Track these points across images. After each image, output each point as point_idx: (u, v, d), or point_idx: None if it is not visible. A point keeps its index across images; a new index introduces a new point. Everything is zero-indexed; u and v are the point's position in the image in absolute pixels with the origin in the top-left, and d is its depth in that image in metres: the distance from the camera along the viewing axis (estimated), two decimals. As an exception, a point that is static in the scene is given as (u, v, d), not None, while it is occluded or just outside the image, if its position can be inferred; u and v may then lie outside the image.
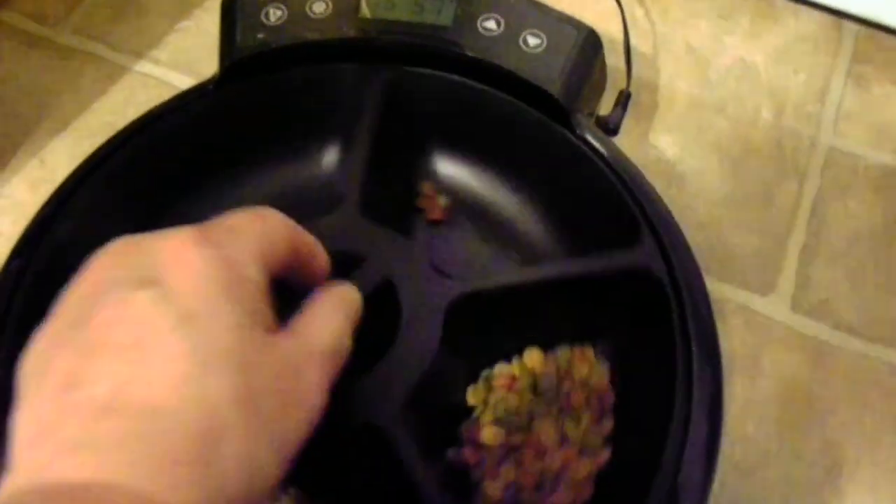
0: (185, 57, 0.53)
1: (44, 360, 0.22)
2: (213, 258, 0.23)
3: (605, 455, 0.34)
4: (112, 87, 0.52)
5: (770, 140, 0.48)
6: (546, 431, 0.35)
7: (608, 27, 0.48)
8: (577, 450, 0.34)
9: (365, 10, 0.42)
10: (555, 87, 0.38)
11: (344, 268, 0.34)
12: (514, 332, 0.37)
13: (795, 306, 0.42)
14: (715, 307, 0.35)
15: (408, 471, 0.30)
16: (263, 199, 0.41)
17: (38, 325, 0.23)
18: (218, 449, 0.21)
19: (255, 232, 0.25)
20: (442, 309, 0.33)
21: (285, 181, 0.43)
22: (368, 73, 0.41)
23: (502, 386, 0.36)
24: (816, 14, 0.52)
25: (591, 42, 0.40)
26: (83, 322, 0.22)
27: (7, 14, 0.55)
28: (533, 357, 0.37)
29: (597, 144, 0.38)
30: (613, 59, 0.46)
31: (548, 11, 0.40)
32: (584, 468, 0.34)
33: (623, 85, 0.46)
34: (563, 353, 0.37)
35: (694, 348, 0.33)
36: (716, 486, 0.31)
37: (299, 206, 0.41)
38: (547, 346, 0.37)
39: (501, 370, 0.37)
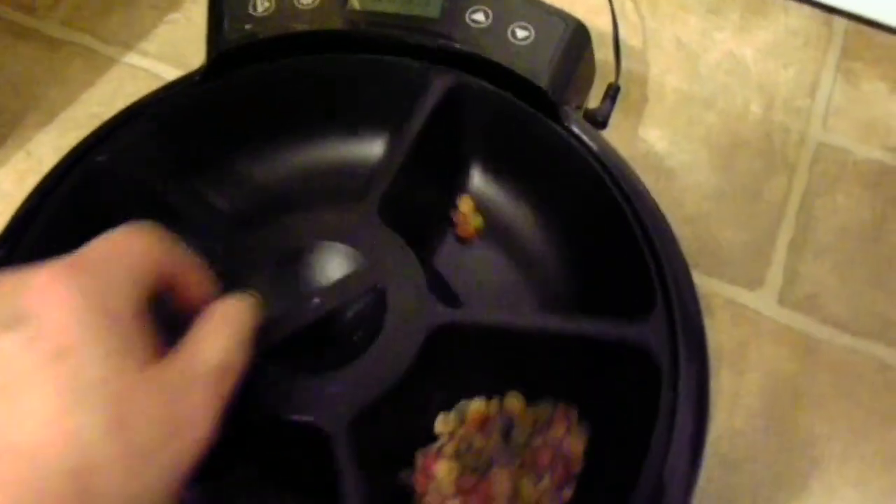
0: (173, 49, 0.53)
1: None
2: (83, 289, 0.23)
3: None
4: (100, 79, 0.51)
5: (759, 135, 0.48)
6: (501, 482, 0.33)
7: (597, 21, 0.48)
8: None
9: (353, 2, 0.41)
10: (543, 80, 0.38)
11: (341, 267, 0.33)
12: (498, 372, 0.36)
13: (783, 301, 0.42)
14: (703, 301, 0.34)
15: (340, 481, 0.29)
16: (271, 187, 0.42)
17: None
18: (92, 484, 0.21)
19: (126, 256, 0.25)
20: (424, 331, 0.32)
21: (302, 168, 0.42)
22: (430, 74, 0.39)
23: (474, 421, 0.35)
24: (806, 9, 0.53)
25: (579, 35, 0.40)
26: None
27: (-5, 5, 0.55)
28: (514, 402, 0.35)
29: (585, 137, 0.38)
30: (603, 53, 0.46)
31: (536, 4, 0.40)
32: None
33: (613, 79, 0.46)
34: (545, 407, 0.35)
35: (681, 342, 0.32)
36: (703, 479, 0.30)
37: (307, 195, 0.41)
38: (531, 395, 0.35)
39: (478, 406, 0.35)
